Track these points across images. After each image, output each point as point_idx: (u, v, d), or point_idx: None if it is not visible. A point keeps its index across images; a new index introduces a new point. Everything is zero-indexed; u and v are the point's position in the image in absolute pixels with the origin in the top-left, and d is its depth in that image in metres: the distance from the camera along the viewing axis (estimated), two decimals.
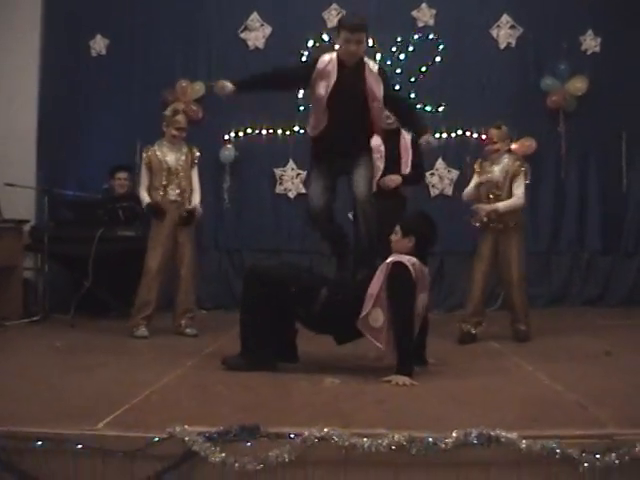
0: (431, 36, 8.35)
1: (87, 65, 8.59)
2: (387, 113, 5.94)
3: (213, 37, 8.57)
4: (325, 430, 3.10)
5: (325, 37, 8.37)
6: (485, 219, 6.07)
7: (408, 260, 4.53)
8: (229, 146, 8.36)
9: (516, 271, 6.05)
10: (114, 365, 4.95)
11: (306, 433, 3.10)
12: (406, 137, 6.59)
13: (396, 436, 3.07)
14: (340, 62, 5.28)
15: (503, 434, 3.07)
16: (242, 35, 8.51)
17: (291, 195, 8.44)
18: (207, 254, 8.26)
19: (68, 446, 3.16)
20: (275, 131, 8.41)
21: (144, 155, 6.43)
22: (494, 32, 8.37)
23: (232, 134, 8.40)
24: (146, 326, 6.23)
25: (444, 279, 8.32)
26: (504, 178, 6.06)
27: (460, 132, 8.29)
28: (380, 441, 3.06)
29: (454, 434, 3.08)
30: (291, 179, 8.41)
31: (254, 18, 8.50)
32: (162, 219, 6.31)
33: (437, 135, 8.25)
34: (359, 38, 5.17)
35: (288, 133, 8.41)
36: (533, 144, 8.08)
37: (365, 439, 3.08)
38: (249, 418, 3.28)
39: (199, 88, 8.43)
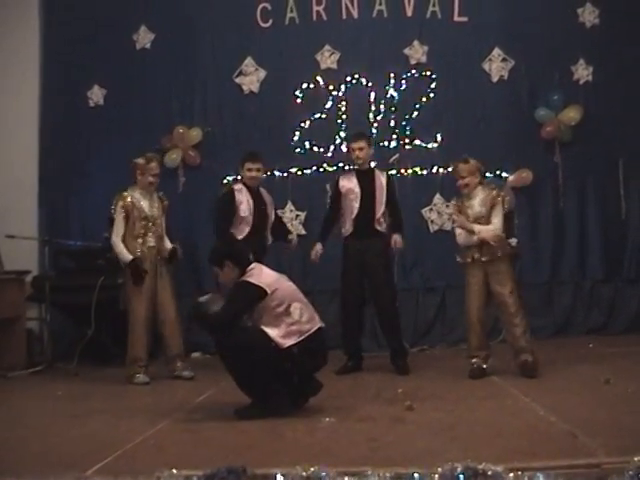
0: (424, 72, 8.42)
1: (85, 115, 8.70)
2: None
3: (209, 83, 8.67)
4: (311, 469, 3.09)
5: (319, 78, 8.45)
6: (476, 255, 6.04)
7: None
8: (225, 193, 8.35)
9: (512, 303, 5.98)
10: (112, 412, 4.98)
11: (292, 473, 3.08)
12: (381, 177, 6.70)
13: (382, 473, 3.05)
14: (247, 188, 6.80)
15: (490, 468, 3.04)
16: (237, 80, 8.59)
17: (290, 237, 8.42)
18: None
19: None
20: (273, 173, 8.43)
21: (119, 204, 6.42)
22: (486, 66, 8.43)
23: (230, 177, 8.43)
24: (144, 372, 6.26)
25: (446, 314, 8.26)
26: (484, 209, 6.01)
27: None
28: (366, 479, 3.05)
29: (440, 469, 3.05)
30: (290, 221, 8.40)
31: (248, 63, 8.59)
32: (140, 283, 6.33)
33: (434, 170, 8.31)
34: (258, 167, 6.79)
35: (286, 175, 8.44)
36: (530, 175, 8.10)
37: (350, 477, 3.06)
38: (239, 460, 3.27)
39: (196, 134, 8.50)
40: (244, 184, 6.84)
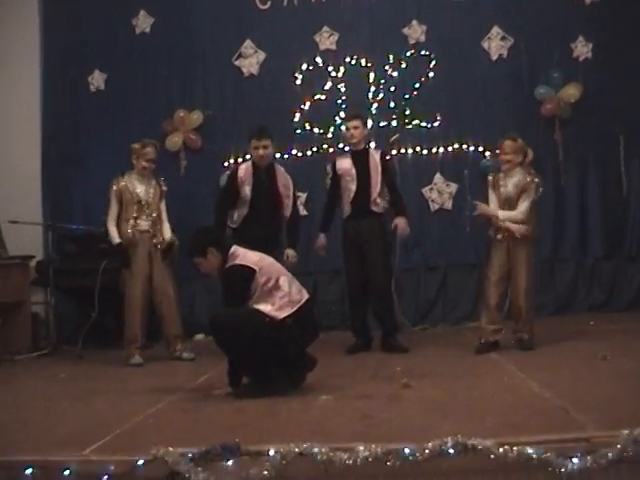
0: (423, 52, 8.41)
1: (87, 100, 8.74)
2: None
3: (209, 66, 8.69)
4: (304, 446, 3.15)
5: (318, 59, 8.46)
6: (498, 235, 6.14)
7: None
8: (229, 172, 8.40)
9: (524, 281, 6.08)
10: (113, 393, 5.06)
11: (284, 450, 3.14)
12: (375, 156, 6.66)
13: (373, 449, 3.11)
14: (254, 167, 6.57)
15: (480, 442, 3.10)
16: (237, 62, 8.61)
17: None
18: (212, 279, 8.29)
19: (56, 472, 3.23)
20: (273, 155, 8.44)
21: (113, 187, 6.55)
22: (485, 44, 8.40)
23: (231, 160, 8.46)
24: (139, 354, 6.38)
25: (448, 292, 8.31)
26: (516, 193, 6.09)
27: (457, 146, 8.30)
28: (357, 454, 3.10)
29: (430, 444, 3.11)
30: None
31: (247, 45, 8.60)
32: (126, 265, 6.49)
33: (434, 149, 8.32)
34: (266, 144, 6.40)
35: (286, 156, 8.46)
36: (530, 154, 8.05)
37: (343, 453, 3.12)
38: (235, 438, 3.34)
39: (197, 117, 8.53)
40: (253, 162, 6.69)
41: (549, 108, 8.16)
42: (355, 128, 6.62)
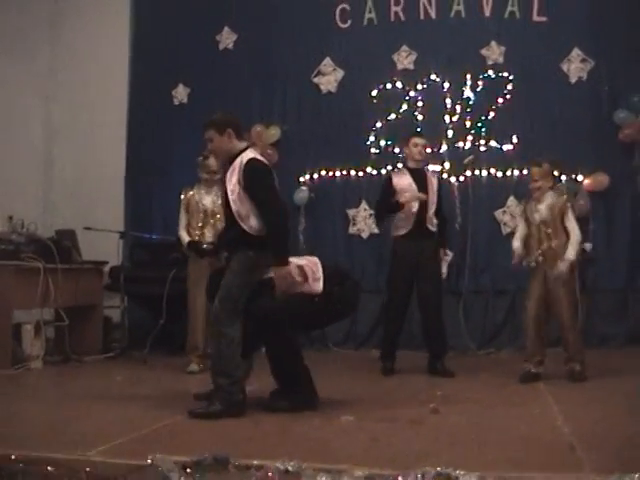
0: (501, 73, 8.31)
1: (170, 113, 9.09)
2: None
3: (288, 83, 8.87)
4: (290, 464, 3.21)
5: (396, 78, 8.50)
6: (540, 259, 6.02)
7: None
8: (303, 188, 8.55)
9: (566, 310, 5.94)
10: (152, 399, 5.24)
11: (271, 466, 3.21)
12: (432, 178, 6.76)
13: (356, 472, 3.14)
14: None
15: (461, 475, 3.07)
16: (315, 80, 8.75)
17: (364, 235, 8.52)
18: None
19: (60, 470, 3.40)
20: (348, 172, 8.56)
21: (182, 197, 6.89)
22: (565, 66, 8.22)
23: (306, 176, 8.61)
24: (198, 363, 6.53)
25: (516, 317, 8.13)
26: (551, 215, 5.99)
27: None
28: (340, 477, 3.14)
29: (412, 472, 3.11)
30: (364, 219, 8.50)
31: (327, 63, 8.74)
32: (203, 256, 6.60)
33: (508, 172, 8.21)
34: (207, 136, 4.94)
35: (361, 174, 8.54)
36: (606, 180, 7.87)
37: (326, 474, 3.16)
38: (241, 449, 3.44)
39: (274, 132, 8.69)
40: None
41: (628, 133, 7.90)
42: (424, 147, 6.71)
